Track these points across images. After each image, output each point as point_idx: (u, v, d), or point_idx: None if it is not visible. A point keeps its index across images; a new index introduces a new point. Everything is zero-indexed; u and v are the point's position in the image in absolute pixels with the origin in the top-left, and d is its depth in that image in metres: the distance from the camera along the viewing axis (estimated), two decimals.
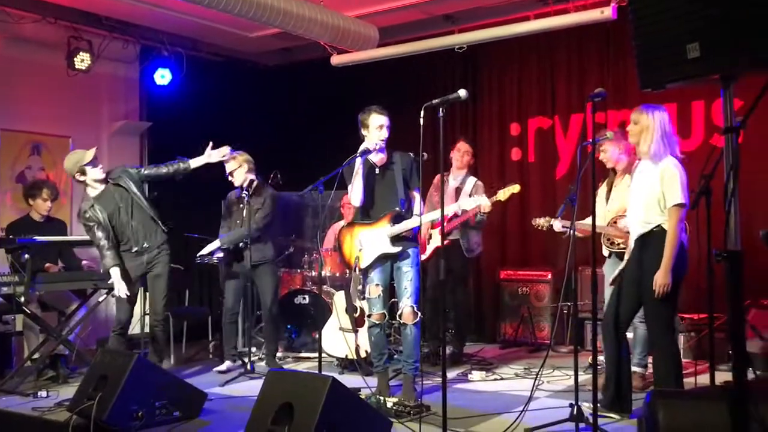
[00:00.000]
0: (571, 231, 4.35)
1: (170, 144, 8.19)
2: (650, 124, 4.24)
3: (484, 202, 5.08)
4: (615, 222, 5.20)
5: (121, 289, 5.47)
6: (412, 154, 4.93)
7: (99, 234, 5.48)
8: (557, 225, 5.48)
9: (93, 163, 5.55)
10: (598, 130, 5.33)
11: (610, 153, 5.33)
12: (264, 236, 6.19)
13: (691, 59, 2.62)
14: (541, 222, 5.62)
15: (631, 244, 4.43)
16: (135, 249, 5.61)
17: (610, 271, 5.07)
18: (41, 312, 5.99)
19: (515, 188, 5.57)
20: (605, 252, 5.32)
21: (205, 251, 6.18)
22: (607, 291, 5.18)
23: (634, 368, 4.97)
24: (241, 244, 6.08)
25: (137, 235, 5.60)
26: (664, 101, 6.74)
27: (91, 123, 7.75)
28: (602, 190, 5.45)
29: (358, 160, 4.90)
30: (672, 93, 6.33)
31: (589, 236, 4.56)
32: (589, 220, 5.36)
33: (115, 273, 5.46)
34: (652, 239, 4.22)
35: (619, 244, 5.15)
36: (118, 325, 5.66)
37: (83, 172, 5.52)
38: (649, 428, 3.07)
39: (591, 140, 4.06)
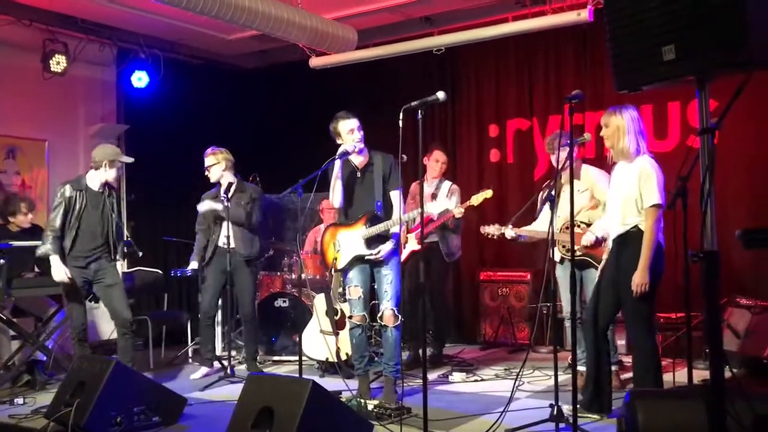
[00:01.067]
0: (551, 232, 4.36)
1: (147, 147, 8.17)
2: (621, 124, 4.27)
3: (452, 206, 5.07)
4: (567, 228, 5.21)
5: (59, 273, 5.33)
6: (392, 156, 4.92)
7: (60, 216, 5.38)
8: (509, 233, 5.51)
9: (116, 167, 5.54)
10: (576, 131, 5.37)
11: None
12: (255, 231, 6.19)
13: (667, 61, 2.65)
14: (491, 230, 5.63)
15: (609, 244, 4.47)
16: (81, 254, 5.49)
17: (563, 275, 5.12)
18: (18, 317, 5.91)
19: (488, 193, 5.59)
20: (557, 257, 5.32)
21: (190, 269, 6.18)
22: (564, 295, 5.28)
23: (579, 368, 5.03)
24: (222, 244, 6.03)
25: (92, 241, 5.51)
26: (640, 102, 6.83)
27: (67, 126, 7.68)
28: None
29: (337, 162, 4.90)
30: (648, 94, 6.37)
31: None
32: (536, 226, 5.47)
33: (55, 259, 5.35)
34: (629, 240, 4.26)
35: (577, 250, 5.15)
36: (75, 331, 5.51)
37: (109, 167, 5.49)
38: (629, 428, 3.10)
39: (569, 142, 4.09)
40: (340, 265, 4.99)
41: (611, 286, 4.36)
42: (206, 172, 6.13)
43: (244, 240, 6.08)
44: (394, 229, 4.91)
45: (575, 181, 4.93)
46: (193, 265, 6.21)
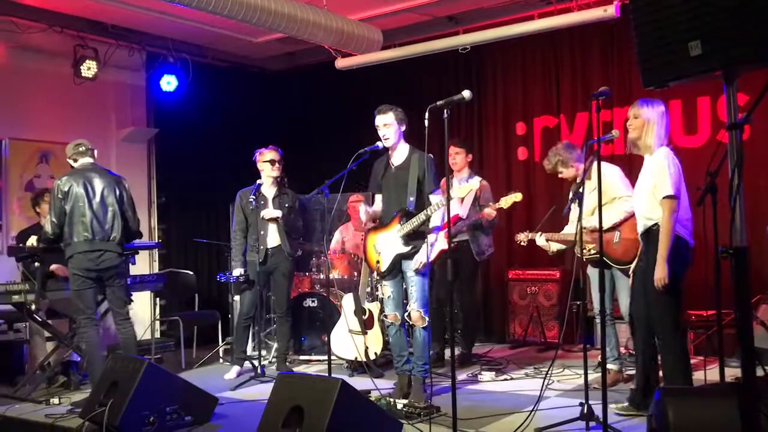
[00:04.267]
0: (579, 229, 4.34)
1: (177, 150, 8.29)
2: (651, 117, 4.24)
3: (475, 186, 5.00)
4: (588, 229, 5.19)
5: None
6: (429, 155, 4.78)
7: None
8: (540, 240, 5.49)
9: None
10: (604, 128, 5.36)
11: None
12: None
13: (693, 56, 2.63)
14: (521, 237, 5.64)
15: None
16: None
17: (594, 273, 5.14)
18: (53, 319, 6.03)
19: (518, 196, 5.57)
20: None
21: (235, 273, 6.23)
22: (595, 293, 5.28)
23: (609, 365, 5.05)
24: (269, 245, 6.12)
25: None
26: (669, 98, 6.76)
27: (98, 130, 7.78)
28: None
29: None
30: (677, 90, 6.35)
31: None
32: (568, 229, 5.43)
33: None
34: (652, 236, 4.22)
35: (590, 249, 5.13)
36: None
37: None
38: (659, 426, 3.07)
39: (596, 139, 4.06)
40: (384, 267, 4.98)
41: (641, 284, 4.33)
42: (270, 166, 6.16)
43: (286, 238, 6.19)
44: (435, 221, 4.86)
45: (587, 182, 4.92)
46: (239, 270, 6.21)
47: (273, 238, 6.14)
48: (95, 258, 5.27)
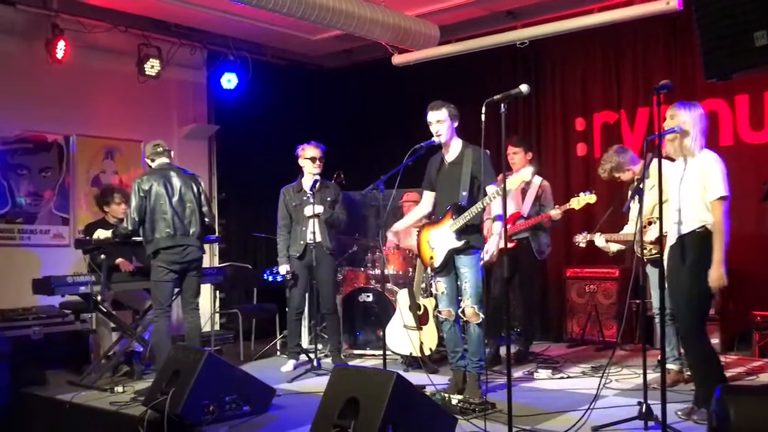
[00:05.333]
0: (638, 225, 4.26)
1: (237, 146, 8.44)
2: (688, 120, 4.13)
3: (527, 177, 4.94)
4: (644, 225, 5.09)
5: None
6: (484, 150, 4.69)
7: None
8: (600, 241, 5.39)
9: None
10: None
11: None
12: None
13: (759, 47, 2.56)
14: (579, 239, 5.57)
15: (670, 241, 4.31)
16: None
17: (654, 272, 5.03)
18: (117, 310, 6.21)
19: (591, 198, 5.48)
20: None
21: (282, 270, 6.32)
22: (654, 291, 5.20)
23: (669, 365, 4.96)
24: (309, 240, 6.14)
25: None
26: (734, 92, 6.60)
27: (161, 127, 7.97)
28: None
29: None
30: (743, 83, 6.18)
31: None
32: (627, 229, 5.32)
33: None
34: (696, 237, 4.13)
35: (650, 249, 5.03)
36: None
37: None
38: (719, 424, 3.01)
39: (657, 134, 3.98)
40: (437, 263, 4.98)
41: (676, 285, 4.25)
42: (312, 164, 6.22)
43: (327, 234, 6.24)
44: (496, 210, 4.82)
45: (647, 179, 4.82)
46: (285, 267, 6.30)
47: (314, 233, 6.13)
48: (180, 251, 5.53)
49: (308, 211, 6.14)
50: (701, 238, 4.11)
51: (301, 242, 6.20)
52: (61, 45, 6.83)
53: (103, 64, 7.53)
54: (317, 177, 6.22)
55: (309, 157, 6.23)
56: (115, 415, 4.86)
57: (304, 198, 6.22)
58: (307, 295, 6.48)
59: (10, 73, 6.92)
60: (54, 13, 6.86)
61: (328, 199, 6.29)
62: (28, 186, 7.15)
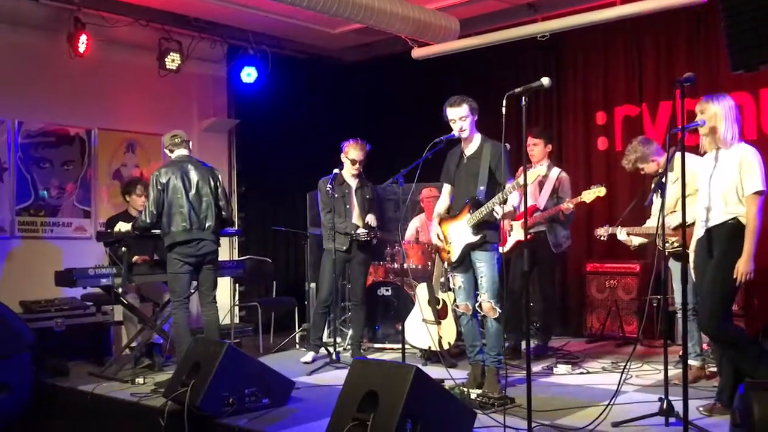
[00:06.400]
0: (661, 218, 4.22)
1: (256, 140, 8.47)
2: (718, 111, 4.08)
3: (540, 171, 4.90)
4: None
5: None
6: (504, 145, 4.70)
7: None
8: (621, 234, 5.35)
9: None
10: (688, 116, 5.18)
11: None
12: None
13: None
14: (600, 232, 5.52)
15: (697, 234, 4.27)
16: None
17: (676, 266, 4.99)
18: (139, 303, 6.26)
19: (601, 191, 5.43)
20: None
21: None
22: (676, 285, 5.13)
23: (690, 361, 4.92)
24: (362, 235, 6.20)
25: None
26: (759, 86, 6.51)
27: (182, 121, 8.01)
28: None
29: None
30: (766, 75, 6.07)
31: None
32: (650, 223, 5.27)
33: None
34: (727, 230, 4.08)
35: (673, 243, 4.97)
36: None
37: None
38: (743, 420, 2.98)
39: (680, 127, 3.93)
40: (454, 257, 4.96)
41: (702, 277, 4.21)
42: (353, 165, 6.22)
43: (364, 225, 6.26)
44: (513, 201, 4.79)
45: (669, 172, 4.77)
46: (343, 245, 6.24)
47: (356, 229, 6.20)
48: (195, 245, 5.56)
49: (362, 234, 6.19)
50: (731, 230, 4.06)
51: (346, 236, 6.21)
52: (83, 39, 6.88)
53: (124, 58, 7.58)
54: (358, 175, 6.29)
55: (350, 159, 6.24)
56: (136, 407, 4.90)
57: (347, 191, 6.27)
58: (334, 290, 6.47)
59: (33, 68, 7.00)
60: (76, 7, 6.91)
61: (367, 197, 6.35)
62: (51, 179, 7.22)
